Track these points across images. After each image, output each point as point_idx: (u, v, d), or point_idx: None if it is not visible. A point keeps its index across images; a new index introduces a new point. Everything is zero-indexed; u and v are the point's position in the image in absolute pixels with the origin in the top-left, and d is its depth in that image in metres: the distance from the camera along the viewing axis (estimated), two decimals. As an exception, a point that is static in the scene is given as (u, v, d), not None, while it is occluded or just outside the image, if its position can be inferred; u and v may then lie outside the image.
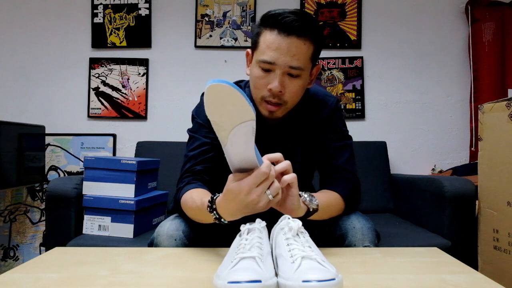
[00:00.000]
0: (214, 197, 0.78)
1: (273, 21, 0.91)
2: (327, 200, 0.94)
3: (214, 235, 1.02)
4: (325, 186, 1.04)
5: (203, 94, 1.09)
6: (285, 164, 0.78)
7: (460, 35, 2.25)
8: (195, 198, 0.87)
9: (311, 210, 0.87)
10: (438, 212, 1.53)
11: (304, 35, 0.90)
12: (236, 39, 2.26)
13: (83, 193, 1.53)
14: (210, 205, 0.78)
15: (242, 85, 1.10)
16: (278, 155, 0.78)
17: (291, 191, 0.80)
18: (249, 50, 1.02)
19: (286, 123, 1.06)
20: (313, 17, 0.94)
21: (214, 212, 0.77)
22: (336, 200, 0.98)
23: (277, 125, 1.05)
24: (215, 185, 0.94)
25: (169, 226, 0.95)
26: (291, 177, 0.78)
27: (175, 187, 1.02)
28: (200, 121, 1.06)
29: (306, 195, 0.88)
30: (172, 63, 2.29)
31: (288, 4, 2.22)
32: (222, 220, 0.77)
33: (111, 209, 1.50)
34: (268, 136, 1.03)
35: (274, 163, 0.77)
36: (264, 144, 0.75)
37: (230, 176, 0.73)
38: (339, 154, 1.06)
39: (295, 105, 1.00)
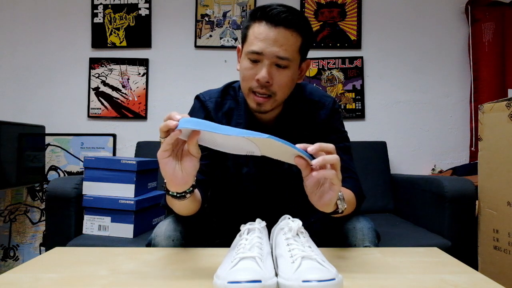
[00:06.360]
0: None
1: (261, 13, 0.91)
2: (350, 201, 0.90)
3: (213, 236, 1.01)
4: None
5: (196, 97, 1.09)
6: (330, 147, 0.73)
7: (460, 35, 2.25)
8: None
9: (340, 211, 0.81)
10: (438, 212, 1.53)
11: (291, 26, 0.90)
12: (236, 39, 2.26)
13: (83, 193, 1.53)
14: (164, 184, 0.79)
15: (236, 86, 1.08)
16: (330, 146, 0.73)
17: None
18: (239, 46, 1.01)
19: (281, 123, 1.04)
20: (301, 12, 0.95)
21: (164, 185, 0.78)
22: (353, 199, 0.94)
23: (273, 125, 1.04)
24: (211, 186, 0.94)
25: (166, 227, 0.95)
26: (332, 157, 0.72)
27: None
28: None
29: (340, 195, 0.79)
30: (172, 63, 2.28)
31: (288, 4, 2.21)
32: (171, 192, 0.78)
33: (111, 209, 1.51)
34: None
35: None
36: None
37: None
38: (341, 155, 1.04)
39: (285, 99, 0.98)
